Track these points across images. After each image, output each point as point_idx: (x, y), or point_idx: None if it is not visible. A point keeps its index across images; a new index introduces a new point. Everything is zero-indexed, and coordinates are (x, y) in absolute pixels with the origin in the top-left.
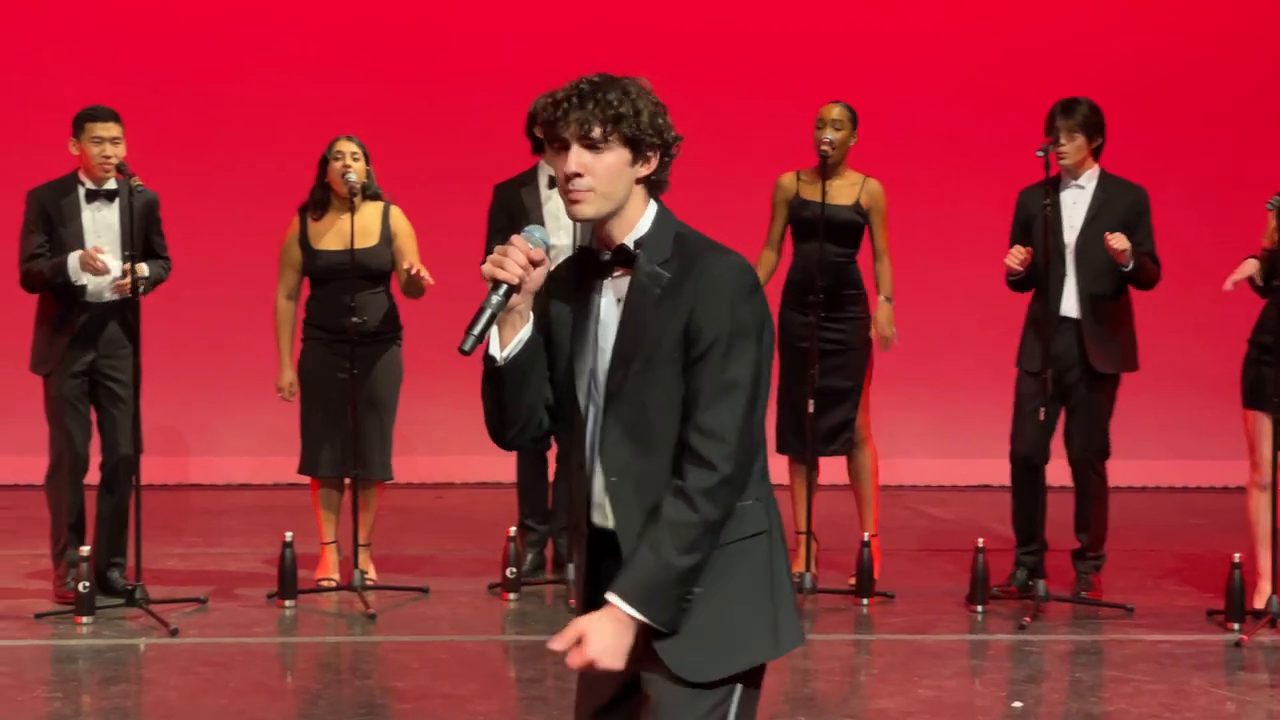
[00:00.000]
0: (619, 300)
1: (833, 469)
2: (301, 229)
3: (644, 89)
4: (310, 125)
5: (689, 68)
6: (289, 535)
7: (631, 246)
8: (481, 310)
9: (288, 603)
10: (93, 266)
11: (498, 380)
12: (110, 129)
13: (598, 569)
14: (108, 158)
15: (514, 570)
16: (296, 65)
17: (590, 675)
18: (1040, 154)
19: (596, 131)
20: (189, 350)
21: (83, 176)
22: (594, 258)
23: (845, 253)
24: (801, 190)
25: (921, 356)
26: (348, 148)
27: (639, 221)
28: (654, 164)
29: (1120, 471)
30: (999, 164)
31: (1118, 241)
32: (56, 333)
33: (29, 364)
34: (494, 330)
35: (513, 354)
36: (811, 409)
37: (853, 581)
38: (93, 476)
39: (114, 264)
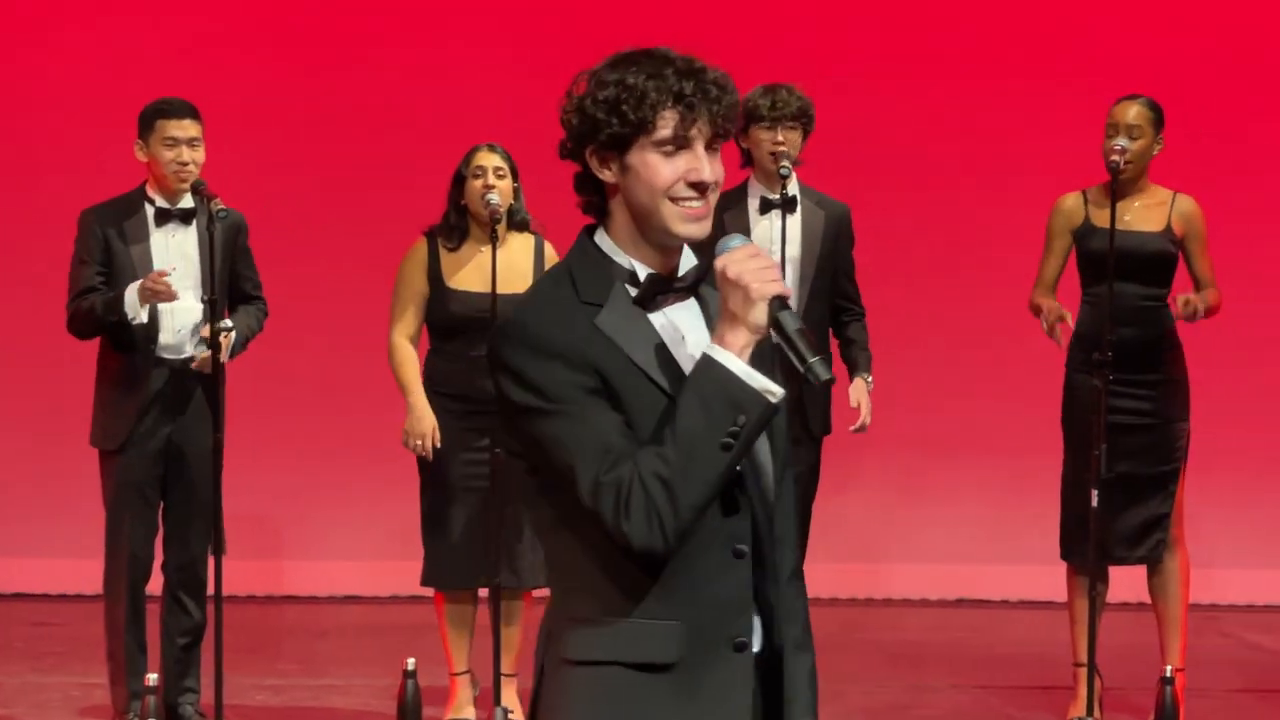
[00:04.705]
0: (683, 338)
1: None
2: (431, 257)
3: None
4: (452, 136)
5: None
6: (411, 663)
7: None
8: (790, 338)
9: None
10: (155, 291)
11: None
12: (188, 128)
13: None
14: (184, 164)
15: None
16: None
17: None
18: None
19: (728, 131)
20: (283, 422)
21: (151, 191)
22: (665, 285)
23: (1153, 295)
24: (1092, 215)
25: (1238, 434)
26: (490, 161)
27: None
28: None
29: None
30: None
31: None
32: (124, 397)
33: (89, 438)
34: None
35: None
36: (1095, 501)
37: None
38: (160, 583)
39: (189, 301)
